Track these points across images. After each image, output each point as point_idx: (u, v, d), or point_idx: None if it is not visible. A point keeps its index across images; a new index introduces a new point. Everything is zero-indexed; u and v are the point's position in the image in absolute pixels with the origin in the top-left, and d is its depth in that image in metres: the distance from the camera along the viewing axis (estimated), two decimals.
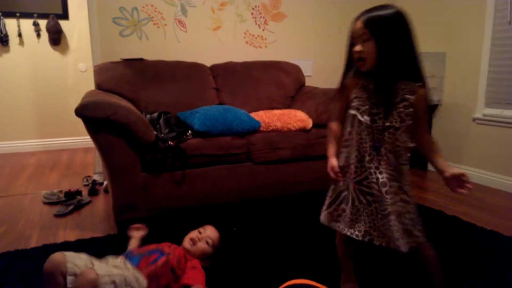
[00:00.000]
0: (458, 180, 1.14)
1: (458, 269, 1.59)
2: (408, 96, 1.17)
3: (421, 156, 3.82)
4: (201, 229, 1.61)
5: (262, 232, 1.97)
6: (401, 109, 1.18)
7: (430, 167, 3.27)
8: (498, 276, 1.53)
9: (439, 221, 2.10)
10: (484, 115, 2.81)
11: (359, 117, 1.22)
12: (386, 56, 1.14)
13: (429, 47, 3.20)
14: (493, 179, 2.78)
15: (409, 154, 1.28)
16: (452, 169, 1.16)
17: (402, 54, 1.15)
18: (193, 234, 1.57)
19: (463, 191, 1.13)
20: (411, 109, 1.18)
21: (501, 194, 2.64)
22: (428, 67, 3.20)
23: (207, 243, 1.54)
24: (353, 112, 1.24)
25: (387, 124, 1.20)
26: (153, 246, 1.48)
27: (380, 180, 1.22)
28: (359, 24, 1.17)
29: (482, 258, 1.66)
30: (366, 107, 1.22)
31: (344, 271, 1.46)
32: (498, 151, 2.73)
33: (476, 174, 2.86)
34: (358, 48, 1.17)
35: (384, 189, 1.22)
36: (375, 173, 1.23)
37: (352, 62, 1.23)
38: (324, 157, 2.55)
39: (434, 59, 3.13)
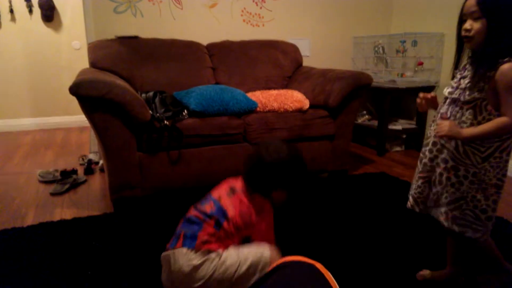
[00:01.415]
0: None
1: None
2: (487, 71, 1.12)
3: (417, 137, 3.82)
4: None
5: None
6: (479, 84, 1.14)
7: None
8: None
9: None
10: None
11: (445, 89, 1.28)
12: (495, 37, 1.09)
13: (427, 28, 3.16)
14: None
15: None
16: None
17: (507, 34, 1.08)
18: None
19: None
20: (483, 84, 1.13)
21: None
22: (426, 48, 3.17)
23: None
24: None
25: (454, 96, 1.21)
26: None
27: (432, 148, 1.30)
28: (471, 0, 1.12)
29: None
30: (455, 80, 1.25)
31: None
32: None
33: None
34: (467, 25, 1.14)
35: (430, 156, 1.29)
36: (435, 143, 1.28)
37: (462, 39, 1.19)
38: (320, 138, 2.56)
39: (432, 40, 3.10)
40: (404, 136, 3.34)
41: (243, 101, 2.26)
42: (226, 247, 1.13)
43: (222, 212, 1.15)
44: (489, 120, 1.14)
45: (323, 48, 3.41)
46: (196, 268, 1.08)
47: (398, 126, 3.23)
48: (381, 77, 3.26)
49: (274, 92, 2.46)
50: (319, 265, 0.61)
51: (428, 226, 1.80)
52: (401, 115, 3.48)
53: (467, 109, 1.18)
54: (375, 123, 3.26)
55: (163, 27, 2.83)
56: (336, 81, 2.37)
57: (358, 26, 3.50)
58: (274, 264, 0.63)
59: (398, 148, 3.33)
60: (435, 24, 3.12)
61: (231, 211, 1.15)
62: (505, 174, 1.21)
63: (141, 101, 1.92)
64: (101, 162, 2.69)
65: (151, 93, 2.21)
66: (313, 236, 1.74)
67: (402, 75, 3.29)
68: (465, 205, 1.22)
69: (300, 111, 2.35)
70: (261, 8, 3.11)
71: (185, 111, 2.16)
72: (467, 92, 1.17)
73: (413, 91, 3.13)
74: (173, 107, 2.16)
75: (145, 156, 2.00)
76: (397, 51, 3.35)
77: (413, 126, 3.27)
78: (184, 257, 1.09)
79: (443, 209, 1.26)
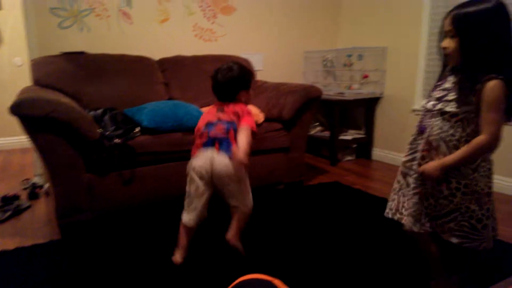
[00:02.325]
0: None
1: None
2: (473, 85, 1.14)
3: (366, 146, 3.99)
4: None
5: (217, 228, 1.96)
6: (462, 97, 1.17)
7: (374, 156, 3.45)
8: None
9: (382, 207, 2.22)
10: (421, 107, 3.01)
11: (424, 102, 1.32)
12: (469, 55, 1.13)
13: (372, 42, 3.35)
14: None
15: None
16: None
17: (488, 52, 1.11)
18: None
19: None
20: (472, 97, 1.14)
21: None
22: (370, 62, 3.36)
23: None
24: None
25: (439, 107, 1.22)
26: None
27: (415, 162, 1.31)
28: (448, 19, 1.16)
29: None
30: (436, 91, 1.27)
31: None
32: None
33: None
34: (445, 43, 1.18)
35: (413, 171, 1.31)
36: (423, 157, 1.29)
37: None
38: (275, 151, 2.59)
39: (376, 53, 3.29)
40: (354, 145, 3.48)
41: (197, 116, 2.23)
42: None
43: (232, 124, 1.62)
44: (476, 132, 1.16)
45: (275, 62, 3.49)
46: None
47: (348, 136, 3.37)
48: (330, 90, 3.40)
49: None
50: (277, 282, 0.62)
51: (390, 233, 1.88)
52: (350, 126, 3.64)
53: (455, 122, 1.20)
54: (327, 134, 3.37)
55: (112, 43, 2.75)
56: (288, 94, 2.43)
57: (308, 41, 3.64)
58: (232, 284, 0.62)
59: (349, 158, 3.46)
60: (379, 39, 3.32)
61: (236, 119, 1.64)
62: (492, 181, 1.24)
63: (89, 119, 1.84)
64: (46, 185, 2.52)
65: (99, 111, 2.12)
66: (273, 249, 1.74)
67: (349, 87, 3.45)
68: (460, 216, 1.23)
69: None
70: (213, 23, 3.13)
71: (137, 128, 2.10)
72: (455, 105, 1.19)
73: (361, 103, 3.29)
74: (124, 125, 2.09)
75: (95, 177, 1.90)
76: (344, 65, 3.52)
77: (362, 136, 3.42)
78: (225, 160, 1.56)
79: (439, 221, 1.27)
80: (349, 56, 3.44)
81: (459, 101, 1.18)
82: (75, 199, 1.86)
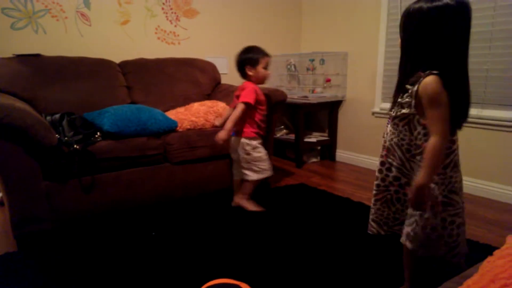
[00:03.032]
0: None
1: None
2: (409, 86, 1.13)
3: (330, 148, 4.05)
4: None
5: (182, 233, 1.93)
6: (405, 99, 1.15)
7: (338, 158, 3.55)
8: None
9: (346, 207, 2.29)
10: (381, 109, 3.14)
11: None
12: (404, 52, 1.16)
13: (333, 47, 3.45)
14: None
15: (423, 153, 1.13)
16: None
17: (424, 50, 1.08)
18: None
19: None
20: (409, 99, 1.13)
21: None
22: (332, 66, 3.45)
23: None
24: None
25: (390, 113, 1.22)
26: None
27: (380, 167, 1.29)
28: None
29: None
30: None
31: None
32: None
33: (374, 162, 3.17)
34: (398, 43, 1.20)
35: (381, 176, 1.29)
36: (383, 162, 1.29)
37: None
38: None
39: (337, 58, 3.39)
40: (319, 147, 3.56)
41: (162, 120, 2.21)
42: None
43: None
44: (425, 134, 1.13)
45: None
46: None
47: (313, 138, 3.44)
48: (295, 93, 3.46)
49: (199, 106, 2.44)
50: (244, 286, 0.62)
51: (355, 232, 1.93)
52: (314, 128, 3.72)
53: (402, 126, 1.19)
54: (292, 137, 3.43)
55: (70, 45, 2.64)
56: None
57: (272, 45, 3.67)
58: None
59: (314, 159, 3.54)
60: (340, 44, 3.43)
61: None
62: (453, 190, 1.17)
63: (46, 124, 1.75)
64: (0, 194, 2.37)
65: (57, 115, 2.03)
66: (241, 252, 1.74)
67: (313, 91, 3.53)
68: (415, 223, 1.20)
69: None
70: (175, 26, 3.09)
71: (98, 133, 2.03)
72: (398, 108, 1.18)
73: (324, 106, 3.38)
74: (83, 130, 2.01)
75: (53, 185, 1.82)
76: (307, 69, 3.59)
77: (326, 138, 3.51)
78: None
79: (403, 225, 1.27)
80: (312, 60, 3.53)
81: (400, 103, 1.17)
82: (32, 208, 1.77)
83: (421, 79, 1.08)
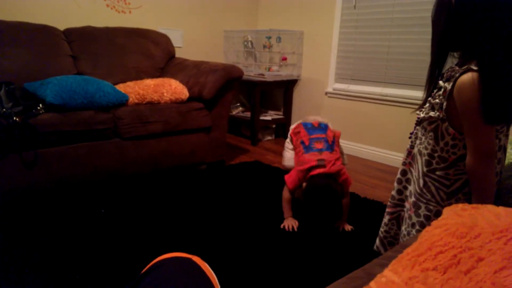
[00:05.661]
0: None
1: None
2: (442, 83, 0.91)
3: (284, 126, 4.13)
4: None
5: (134, 210, 1.89)
6: (436, 99, 0.91)
7: None
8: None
9: None
10: (334, 89, 3.22)
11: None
12: (434, 41, 0.93)
13: (290, 26, 3.45)
14: (342, 145, 3.23)
15: (447, 168, 0.92)
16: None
17: (447, 37, 0.88)
18: None
19: None
20: (440, 100, 0.89)
21: (349, 158, 3.10)
22: (289, 44, 3.46)
23: None
24: None
25: (417, 114, 0.98)
26: None
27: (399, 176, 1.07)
28: None
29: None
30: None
31: None
32: (346, 121, 3.19)
33: None
34: None
35: (398, 188, 1.07)
36: (404, 172, 1.07)
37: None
38: (197, 130, 2.57)
39: (293, 37, 3.40)
40: (274, 126, 3.60)
41: (111, 93, 2.10)
42: None
43: None
44: (453, 146, 0.90)
45: (195, 40, 3.40)
46: None
47: (268, 117, 3.47)
48: (251, 71, 3.44)
49: (151, 82, 2.34)
50: (195, 258, 0.62)
51: (306, 207, 2.00)
52: (270, 107, 3.75)
53: (429, 131, 0.95)
54: (248, 114, 3.43)
55: (6, 8, 2.40)
56: (209, 73, 2.40)
57: (228, 20, 3.60)
58: (150, 264, 0.61)
59: (269, 137, 3.58)
60: (296, 22, 3.43)
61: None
62: None
63: None
64: None
65: None
66: (194, 228, 1.74)
67: (269, 69, 3.53)
68: None
69: (179, 102, 2.31)
70: None
71: (41, 105, 1.89)
72: (428, 109, 0.95)
73: (280, 84, 3.40)
74: (24, 101, 1.86)
75: None
76: (264, 46, 3.57)
77: (281, 117, 3.56)
78: None
79: None
80: (269, 38, 3.51)
81: (431, 104, 0.93)
82: None
83: (457, 75, 0.85)
